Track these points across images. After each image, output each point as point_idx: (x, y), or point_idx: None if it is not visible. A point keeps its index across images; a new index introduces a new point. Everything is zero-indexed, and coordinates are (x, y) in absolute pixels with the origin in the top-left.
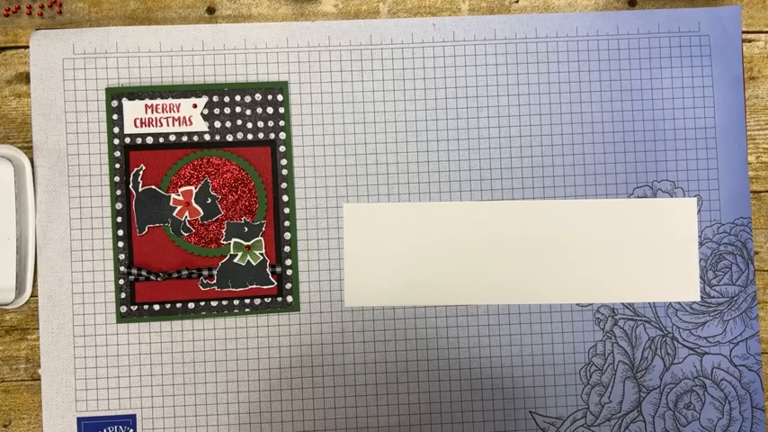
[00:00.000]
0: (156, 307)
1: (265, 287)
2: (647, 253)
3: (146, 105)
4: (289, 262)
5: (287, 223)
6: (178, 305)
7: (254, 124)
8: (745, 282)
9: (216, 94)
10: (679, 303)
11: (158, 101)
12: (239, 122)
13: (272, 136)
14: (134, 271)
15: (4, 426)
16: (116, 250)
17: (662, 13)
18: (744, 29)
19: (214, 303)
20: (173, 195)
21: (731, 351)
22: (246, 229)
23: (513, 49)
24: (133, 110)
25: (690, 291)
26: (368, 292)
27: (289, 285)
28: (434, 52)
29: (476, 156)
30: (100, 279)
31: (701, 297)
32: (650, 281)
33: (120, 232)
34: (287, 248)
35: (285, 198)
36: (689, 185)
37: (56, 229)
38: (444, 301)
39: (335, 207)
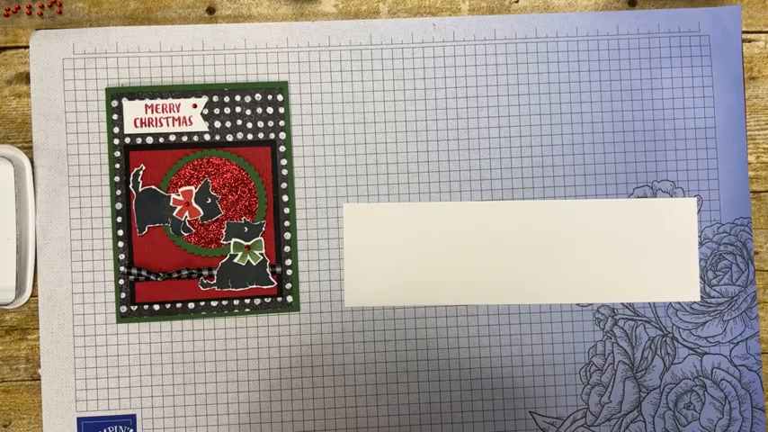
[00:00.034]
0: (156, 307)
1: (265, 287)
2: (647, 253)
3: (146, 105)
4: (289, 262)
5: (287, 223)
6: (178, 305)
7: (254, 124)
8: (745, 282)
9: (216, 94)
10: (679, 303)
11: (158, 101)
12: (239, 122)
13: (272, 136)
14: (134, 271)
15: (4, 426)
16: (116, 250)
17: (662, 13)
18: (744, 29)
19: (214, 303)
20: (173, 195)
21: (731, 351)
22: (246, 229)
23: (513, 49)
24: (133, 110)
25: (690, 291)
26: (368, 292)
27: (289, 285)
28: (434, 52)
29: (476, 156)
30: (100, 279)
31: (701, 297)
32: (650, 281)
33: (120, 232)
34: (287, 248)
35: (285, 198)
36: (689, 185)
37: (56, 229)
38: (444, 301)
39: (335, 207)
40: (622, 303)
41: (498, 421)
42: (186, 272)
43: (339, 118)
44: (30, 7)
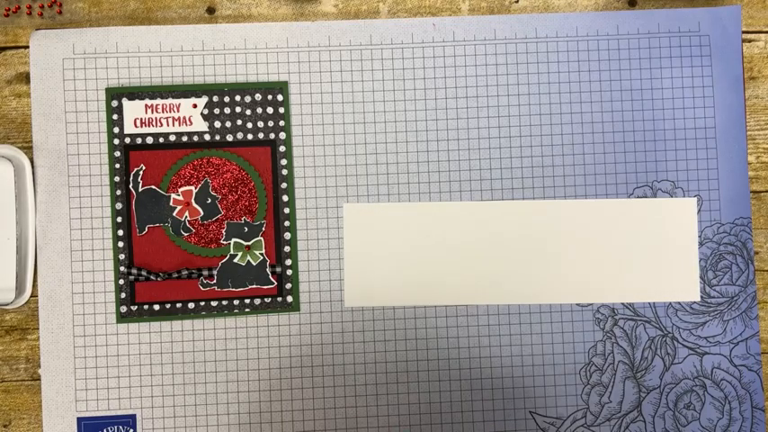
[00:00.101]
0: (156, 307)
1: (265, 287)
2: (647, 253)
3: (146, 105)
4: (289, 262)
5: (287, 223)
6: (178, 305)
7: (254, 124)
8: (745, 282)
9: (216, 94)
10: (679, 303)
11: (158, 101)
12: (239, 122)
13: (272, 136)
14: (134, 271)
15: (4, 426)
16: (116, 250)
17: (662, 13)
18: (744, 29)
19: (214, 303)
20: (173, 195)
21: (731, 351)
22: (246, 229)
23: (513, 49)
24: (133, 110)
25: (690, 291)
26: (368, 292)
27: (289, 285)
28: (434, 52)
29: (476, 156)
30: (100, 279)
31: (701, 297)
32: (650, 281)
33: (120, 232)
34: (287, 248)
35: (285, 198)
36: (689, 185)
37: (56, 229)
38: (444, 301)
39: (335, 207)
40: (622, 303)
41: (498, 421)
42: (186, 272)
43: (339, 118)
44: (30, 7)
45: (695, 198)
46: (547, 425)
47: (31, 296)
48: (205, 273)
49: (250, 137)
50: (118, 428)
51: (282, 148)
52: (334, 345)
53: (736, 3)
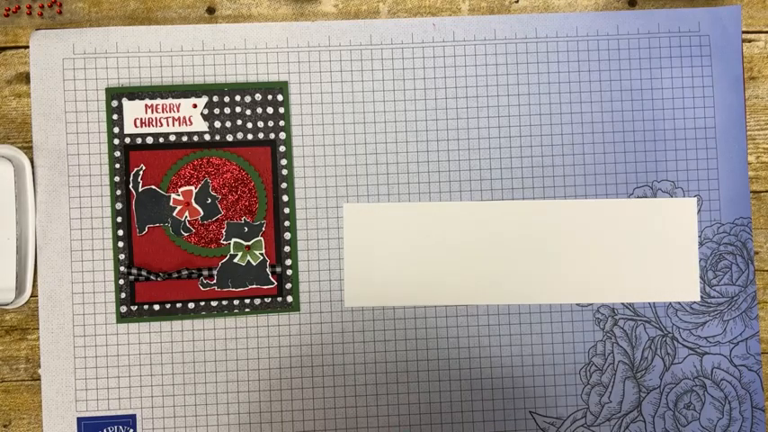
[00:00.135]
0: (156, 307)
1: (265, 287)
2: (647, 253)
3: (146, 105)
4: (289, 262)
5: (287, 223)
6: (178, 305)
7: (254, 124)
8: (745, 282)
9: (216, 94)
10: (679, 303)
11: (158, 101)
12: (239, 122)
13: (272, 136)
14: (134, 271)
15: (4, 426)
16: (116, 250)
17: (662, 13)
18: (744, 29)
19: (214, 303)
20: (173, 195)
21: (731, 351)
22: (246, 229)
23: (513, 49)
24: (133, 110)
25: (690, 291)
26: (368, 292)
27: (289, 285)
28: (434, 52)
29: (476, 156)
30: (100, 279)
31: (701, 297)
32: (650, 281)
33: (120, 232)
34: (287, 248)
35: (285, 198)
36: (689, 185)
37: (56, 229)
38: (444, 301)
39: (335, 207)
40: (622, 303)
41: (498, 421)
42: (186, 272)
43: (339, 118)
44: (30, 7)
45: (695, 198)
46: (547, 425)
47: (31, 296)
48: (205, 273)
49: (250, 137)
50: (118, 428)
51: (282, 148)
52: (334, 345)
53: (736, 3)
